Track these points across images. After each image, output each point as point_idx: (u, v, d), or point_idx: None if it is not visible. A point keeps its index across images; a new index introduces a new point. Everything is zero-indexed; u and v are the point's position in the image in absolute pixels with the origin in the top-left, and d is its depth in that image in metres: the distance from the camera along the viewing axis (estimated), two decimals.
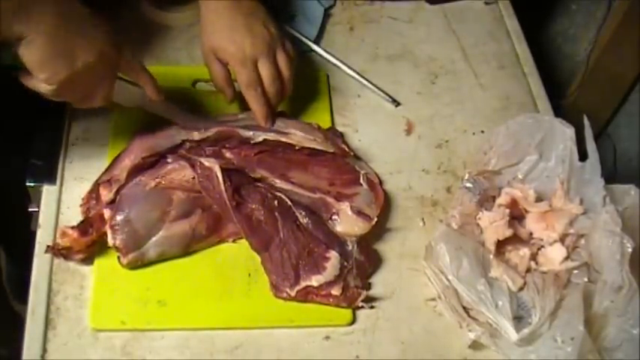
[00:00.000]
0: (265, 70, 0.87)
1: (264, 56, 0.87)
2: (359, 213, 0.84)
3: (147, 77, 0.82)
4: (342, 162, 0.90)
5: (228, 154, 0.88)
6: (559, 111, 1.03)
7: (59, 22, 0.70)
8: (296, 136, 0.89)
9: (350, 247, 0.82)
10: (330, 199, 0.86)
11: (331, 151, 0.89)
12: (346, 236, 0.84)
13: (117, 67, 0.78)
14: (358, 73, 1.03)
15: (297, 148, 0.88)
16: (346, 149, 0.91)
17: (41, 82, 0.71)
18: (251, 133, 0.88)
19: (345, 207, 0.85)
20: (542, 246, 0.85)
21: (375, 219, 0.85)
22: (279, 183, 0.87)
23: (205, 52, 0.89)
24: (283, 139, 0.88)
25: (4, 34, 0.68)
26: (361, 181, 0.88)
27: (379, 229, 0.87)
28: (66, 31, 0.71)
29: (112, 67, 0.78)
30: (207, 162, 0.83)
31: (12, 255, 1.31)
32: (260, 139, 0.88)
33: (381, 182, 0.91)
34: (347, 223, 0.84)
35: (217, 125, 0.88)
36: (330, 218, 0.85)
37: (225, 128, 0.88)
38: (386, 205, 0.89)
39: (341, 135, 0.92)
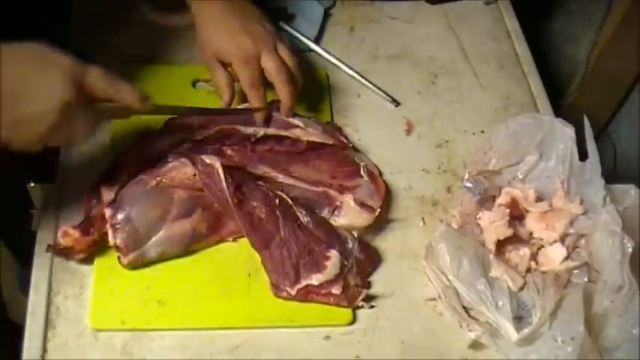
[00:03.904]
0: (270, 63, 0.87)
1: (266, 51, 0.87)
2: (362, 205, 0.85)
3: (127, 89, 0.74)
4: (341, 154, 0.90)
5: (229, 152, 0.88)
6: (559, 111, 1.04)
7: None
8: (296, 130, 0.90)
9: (350, 246, 0.82)
10: (332, 192, 0.86)
11: (330, 143, 0.90)
12: (350, 228, 0.84)
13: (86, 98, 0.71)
14: (358, 73, 1.03)
15: (297, 141, 0.89)
16: (345, 141, 0.91)
17: None
18: (252, 129, 0.89)
19: (348, 199, 0.85)
20: (543, 246, 0.85)
21: (379, 210, 0.85)
22: (281, 178, 0.87)
23: (208, 56, 0.90)
24: (283, 134, 0.89)
25: None
26: (362, 172, 0.89)
27: (379, 228, 0.87)
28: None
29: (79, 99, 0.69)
30: (208, 159, 0.83)
31: (16, 254, 1.31)
32: (260, 135, 0.88)
33: (380, 173, 0.91)
34: (350, 215, 0.85)
35: (217, 124, 0.88)
36: (334, 211, 0.85)
37: (225, 126, 0.88)
38: (386, 204, 0.89)
39: (339, 128, 0.93)
